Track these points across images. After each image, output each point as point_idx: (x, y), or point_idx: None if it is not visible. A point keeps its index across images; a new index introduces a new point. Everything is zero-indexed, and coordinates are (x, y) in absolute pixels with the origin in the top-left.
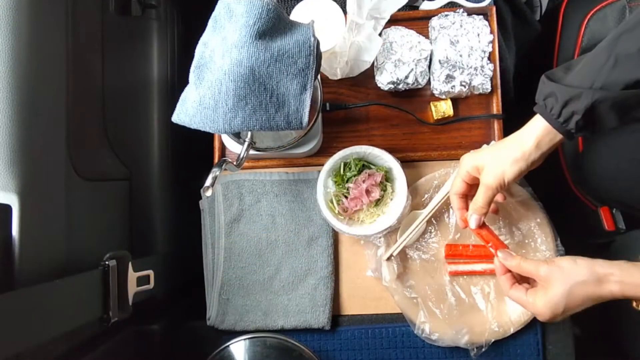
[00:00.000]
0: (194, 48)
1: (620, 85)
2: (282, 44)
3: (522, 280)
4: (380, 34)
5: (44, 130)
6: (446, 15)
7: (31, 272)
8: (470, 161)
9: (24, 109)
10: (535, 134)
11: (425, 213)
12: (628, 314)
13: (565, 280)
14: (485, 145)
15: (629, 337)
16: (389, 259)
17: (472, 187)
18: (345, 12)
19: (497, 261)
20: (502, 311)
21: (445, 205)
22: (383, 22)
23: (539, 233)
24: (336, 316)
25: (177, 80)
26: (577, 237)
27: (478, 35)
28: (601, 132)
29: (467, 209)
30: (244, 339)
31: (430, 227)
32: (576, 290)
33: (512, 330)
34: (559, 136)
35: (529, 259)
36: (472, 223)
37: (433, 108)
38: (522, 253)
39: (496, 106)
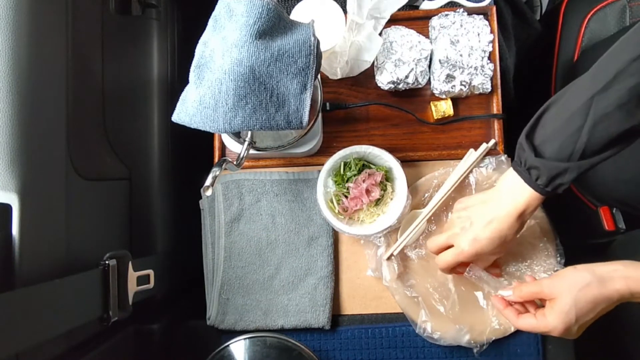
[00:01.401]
0: (194, 47)
1: (602, 143)
2: (282, 44)
3: (529, 305)
4: (380, 34)
5: (44, 130)
6: (446, 15)
7: (31, 271)
8: (474, 251)
9: (23, 108)
10: (527, 207)
11: (425, 212)
12: (628, 313)
13: (570, 287)
14: (472, 218)
15: (629, 336)
16: (389, 258)
17: None
18: (345, 11)
19: (497, 299)
20: None
21: (445, 205)
22: (383, 22)
23: (538, 233)
24: (336, 316)
25: (177, 80)
26: (577, 237)
27: (478, 35)
28: None
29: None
30: (244, 339)
31: (430, 226)
32: (582, 295)
33: (512, 329)
34: (541, 200)
35: (529, 282)
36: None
37: (433, 108)
38: (520, 252)
39: (496, 106)
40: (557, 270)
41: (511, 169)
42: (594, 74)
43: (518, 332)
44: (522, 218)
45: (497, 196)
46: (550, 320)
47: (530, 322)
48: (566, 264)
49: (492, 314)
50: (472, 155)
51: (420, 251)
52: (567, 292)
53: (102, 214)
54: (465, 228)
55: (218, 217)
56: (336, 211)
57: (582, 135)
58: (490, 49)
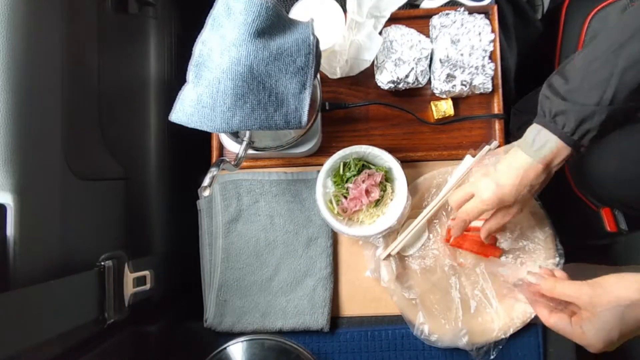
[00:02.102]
0: (192, 46)
1: (627, 91)
2: (281, 43)
3: (555, 302)
4: (380, 33)
5: (40, 129)
6: (447, 14)
7: (27, 272)
8: (495, 197)
9: (19, 107)
10: (555, 157)
11: (424, 213)
12: None
13: (615, 303)
14: (493, 177)
15: (630, 339)
16: (386, 258)
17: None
18: (345, 10)
19: (524, 288)
20: (501, 312)
21: (445, 205)
22: (383, 21)
23: (538, 232)
24: (335, 318)
25: (175, 79)
26: (578, 238)
27: (479, 34)
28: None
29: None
30: (242, 341)
31: (430, 227)
32: (630, 312)
33: (511, 331)
34: (568, 151)
35: (566, 281)
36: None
37: (433, 107)
38: (520, 251)
39: (497, 106)
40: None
41: (533, 125)
42: (622, 26)
43: (519, 335)
44: (548, 168)
45: (524, 147)
46: (589, 336)
47: (564, 325)
48: (566, 264)
49: (490, 316)
50: (471, 158)
51: (419, 252)
52: (611, 307)
53: (99, 214)
54: (487, 174)
55: (216, 218)
56: (335, 212)
57: (611, 81)
58: (491, 48)
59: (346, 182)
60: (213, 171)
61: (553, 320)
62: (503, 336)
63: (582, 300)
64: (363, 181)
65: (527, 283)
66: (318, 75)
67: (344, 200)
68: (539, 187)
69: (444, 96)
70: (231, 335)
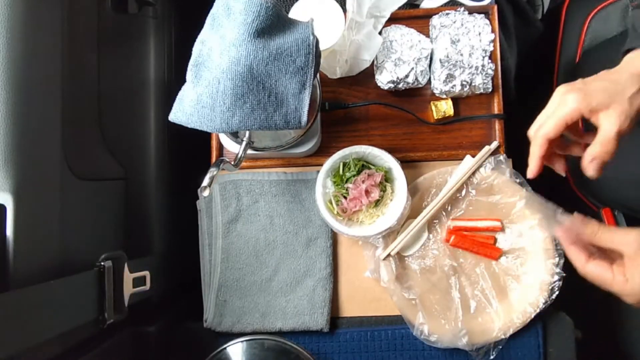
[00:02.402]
0: (192, 46)
1: None
2: (280, 42)
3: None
4: (380, 33)
5: (39, 129)
6: (447, 14)
7: (25, 272)
8: (580, 93)
9: (18, 107)
10: None
11: (424, 213)
12: (630, 316)
13: None
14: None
15: (631, 340)
16: (386, 258)
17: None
18: (344, 10)
19: (562, 229)
20: (501, 312)
21: (445, 205)
22: (383, 21)
23: (538, 232)
24: (335, 318)
25: (174, 79)
26: None
27: (479, 34)
28: None
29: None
30: (242, 341)
31: (429, 227)
32: None
33: (511, 331)
34: None
35: (611, 227)
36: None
37: (433, 108)
38: (519, 251)
39: (497, 106)
40: (558, 271)
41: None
42: None
43: (519, 335)
44: None
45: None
46: (633, 284)
47: (604, 275)
48: (565, 265)
49: (490, 317)
50: (471, 159)
51: (419, 252)
52: None
53: (98, 214)
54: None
55: (215, 218)
56: (335, 212)
57: None
58: (491, 48)
59: (346, 182)
60: (213, 171)
61: (590, 267)
62: (503, 336)
63: (630, 246)
64: (363, 181)
65: (567, 225)
66: (318, 75)
67: (343, 200)
68: (630, 94)
69: (444, 96)
70: (231, 335)
